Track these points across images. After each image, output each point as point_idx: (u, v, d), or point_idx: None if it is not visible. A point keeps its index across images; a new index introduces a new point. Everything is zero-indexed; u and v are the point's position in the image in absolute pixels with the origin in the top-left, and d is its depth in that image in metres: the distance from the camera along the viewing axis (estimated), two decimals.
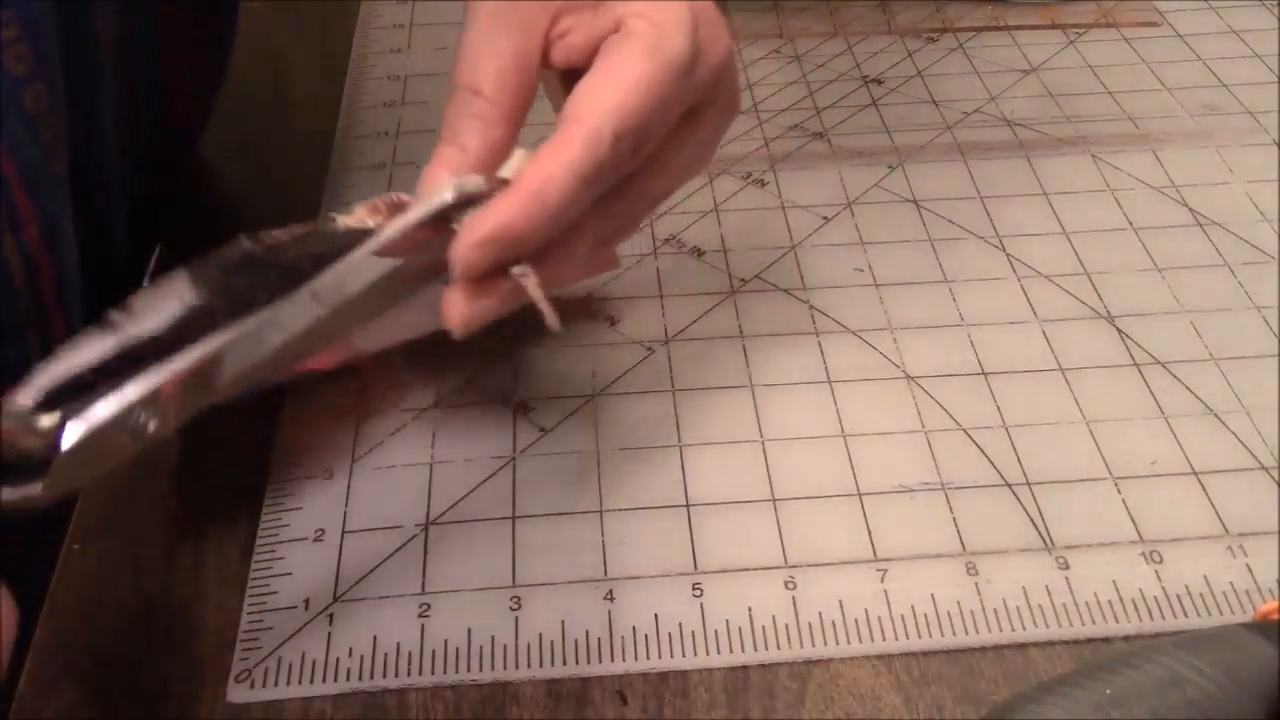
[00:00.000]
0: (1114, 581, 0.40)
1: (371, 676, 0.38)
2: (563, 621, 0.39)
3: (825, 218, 0.54)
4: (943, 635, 0.38)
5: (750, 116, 0.60)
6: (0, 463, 0.29)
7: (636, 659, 0.38)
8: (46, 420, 0.30)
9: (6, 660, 0.29)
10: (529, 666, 0.38)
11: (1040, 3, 0.68)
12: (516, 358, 0.48)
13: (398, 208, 0.36)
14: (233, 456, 0.45)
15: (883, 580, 0.40)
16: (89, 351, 0.31)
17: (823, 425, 0.45)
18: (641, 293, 0.51)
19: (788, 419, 0.45)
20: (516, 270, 0.35)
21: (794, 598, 0.39)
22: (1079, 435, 0.44)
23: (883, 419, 0.45)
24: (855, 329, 0.49)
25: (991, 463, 0.43)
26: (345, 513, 0.42)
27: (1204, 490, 0.42)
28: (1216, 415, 0.45)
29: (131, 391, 0.30)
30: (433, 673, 0.38)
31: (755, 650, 0.38)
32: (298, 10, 0.70)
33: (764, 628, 0.39)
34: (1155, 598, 0.39)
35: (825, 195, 0.55)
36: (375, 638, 0.39)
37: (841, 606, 0.39)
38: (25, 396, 0.30)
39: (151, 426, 0.31)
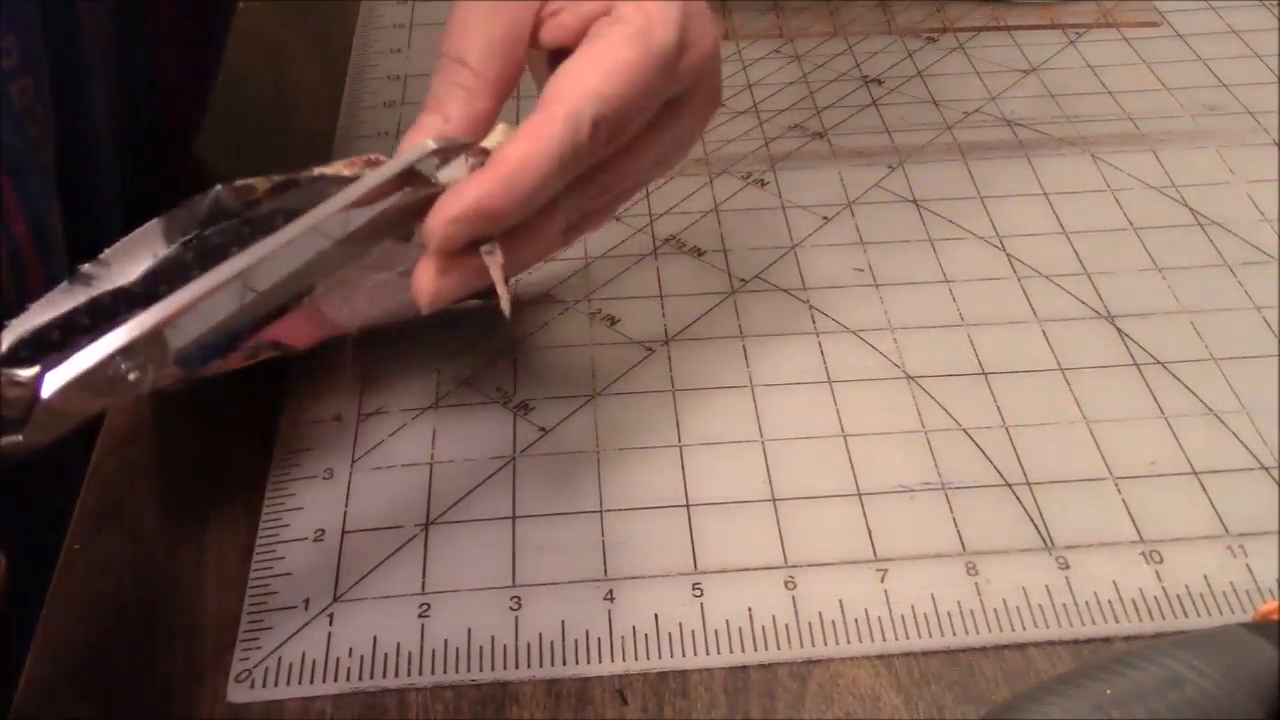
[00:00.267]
0: (1114, 581, 0.40)
1: (371, 676, 0.38)
2: (563, 621, 0.39)
3: (825, 218, 0.54)
4: (943, 635, 0.38)
5: (750, 116, 0.60)
6: None
7: (636, 659, 0.38)
8: (25, 373, 0.30)
9: None
10: (529, 666, 0.38)
11: (1040, 3, 0.68)
12: (516, 358, 0.48)
13: (375, 165, 0.36)
14: (233, 456, 0.45)
15: (883, 580, 0.40)
16: (62, 304, 0.31)
17: (823, 425, 0.45)
18: (641, 293, 0.51)
19: (788, 419, 0.45)
20: (484, 248, 0.35)
21: (794, 598, 0.39)
22: (1079, 435, 0.44)
23: (883, 419, 0.45)
24: (855, 329, 0.49)
25: (991, 463, 0.43)
26: (345, 513, 0.42)
27: (1204, 490, 0.42)
28: (1216, 415, 0.45)
29: (110, 341, 0.31)
30: (433, 673, 0.38)
31: (755, 650, 0.38)
32: (298, 10, 0.70)
33: (764, 628, 0.39)
34: (1155, 598, 0.39)
35: (825, 195, 0.55)
36: (375, 638, 0.39)
37: (841, 606, 0.39)
38: None
39: (132, 376, 0.31)
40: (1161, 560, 0.40)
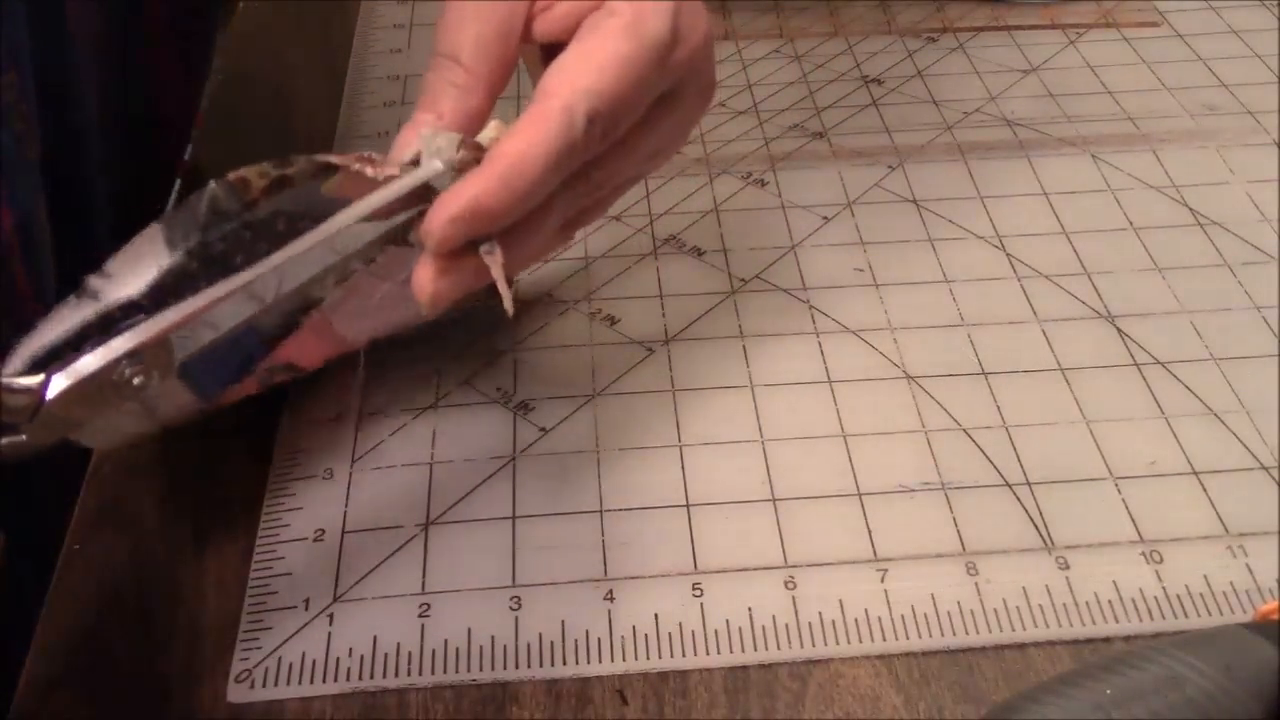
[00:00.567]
0: (1114, 581, 0.40)
1: (371, 676, 0.38)
2: (563, 621, 0.39)
3: (825, 218, 0.54)
4: (943, 635, 0.38)
5: (750, 116, 0.60)
6: None
7: (636, 659, 0.38)
8: (31, 380, 0.30)
9: None
10: (529, 666, 0.38)
11: (1040, 3, 0.68)
12: (517, 358, 0.48)
13: (367, 163, 0.36)
14: (233, 456, 0.45)
15: (883, 580, 0.40)
16: (70, 319, 0.31)
17: (823, 425, 0.45)
18: (641, 293, 0.51)
19: (788, 419, 0.45)
20: (484, 248, 0.35)
21: (794, 598, 0.39)
22: (1079, 435, 0.44)
23: (883, 419, 0.45)
24: (855, 329, 0.49)
25: (991, 462, 0.43)
26: (345, 513, 0.42)
27: (1204, 490, 0.42)
28: (1216, 415, 0.45)
29: (116, 346, 0.31)
30: (433, 673, 0.38)
31: (755, 650, 0.38)
32: (298, 10, 0.70)
33: (764, 628, 0.39)
34: (1155, 598, 0.39)
35: (825, 195, 0.55)
36: (375, 638, 0.39)
37: (841, 606, 0.39)
38: (9, 368, 0.30)
39: (136, 381, 0.31)
40: (1161, 560, 0.40)
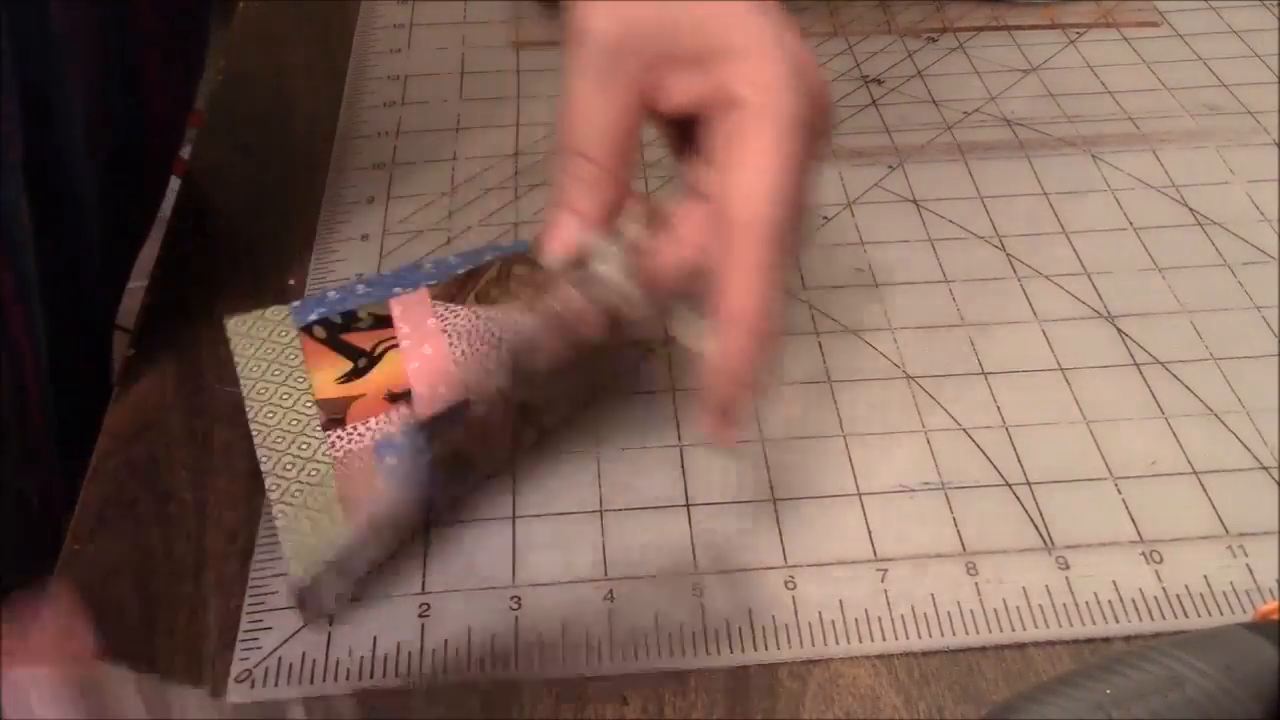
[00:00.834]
0: (1114, 581, 0.40)
1: (371, 676, 0.38)
2: (563, 621, 0.39)
3: (825, 218, 0.54)
4: (943, 635, 0.38)
5: None
6: None
7: (636, 659, 0.38)
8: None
9: None
10: (529, 666, 0.38)
11: (1040, 3, 0.68)
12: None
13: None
14: (233, 456, 0.45)
15: (883, 580, 0.40)
16: None
17: (823, 425, 0.45)
18: None
19: (788, 419, 0.45)
20: None
21: (794, 598, 0.39)
22: (1079, 435, 0.44)
23: (883, 419, 0.45)
24: (855, 329, 0.49)
25: (991, 462, 0.43)
26: None
27: (1204, 490, 0.42)
28: (1216, 415, 0.45)
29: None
30: (433, 673, 0.38)
31: (755, 650, 0.38)
32: (298, 10, 0.70)
33: (764, 628, 0.39)
34: (1155, 598, 0.39)
35: (825, 195, 0.55)
36: (375, 638, 0.39)
37: (841, 606, 0.39)
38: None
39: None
40: (1161, 560, 0.40)
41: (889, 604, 0.39)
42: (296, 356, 0.44)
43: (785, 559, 0.41)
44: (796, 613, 0.39)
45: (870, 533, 0.41)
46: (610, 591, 0.40)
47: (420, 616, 0.39)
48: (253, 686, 0.38)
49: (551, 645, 0.38)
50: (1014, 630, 0.39)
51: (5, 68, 0.42)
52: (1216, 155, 0.57)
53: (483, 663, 0.38)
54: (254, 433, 0.42)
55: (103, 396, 0.47)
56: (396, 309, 0.45)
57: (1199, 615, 0.39)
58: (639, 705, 0.37)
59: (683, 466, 0.44)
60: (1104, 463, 0.43)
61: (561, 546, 0.41)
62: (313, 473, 0.41)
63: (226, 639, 0.39)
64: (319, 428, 0.42)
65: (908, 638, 0.38)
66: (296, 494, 0.40)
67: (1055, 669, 0.38)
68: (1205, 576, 0.40)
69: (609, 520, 0.42)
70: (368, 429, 0.41)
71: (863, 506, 0.42)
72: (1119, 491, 0.42)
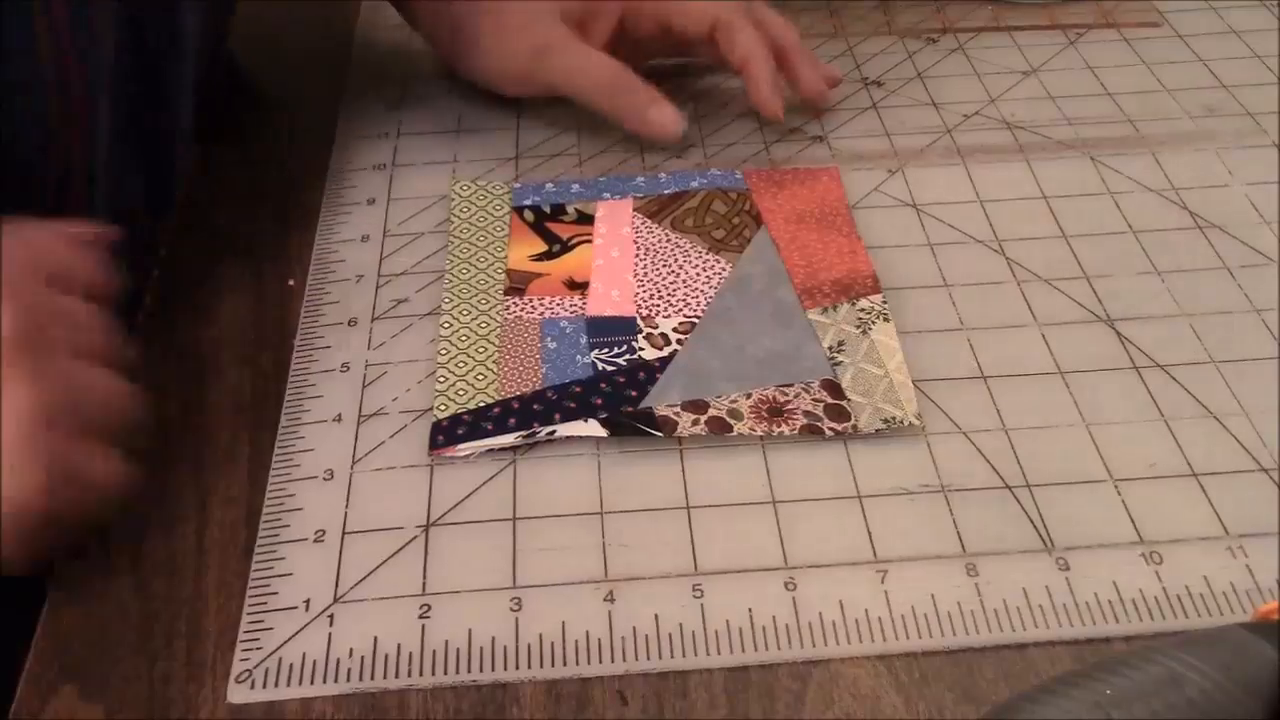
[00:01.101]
0: (1114, 582, 0.40)
1: (371, 677, 0.38)
2: (563, 622, 0.39)
3: None
4: (943, 635, 0.38)
5: (751, 119, 0.60)
6: None
7: (636, 659, 0.38)
8: None
9: None
10: (529, 667, 0.38)
11: (1040, 3, 0.68)
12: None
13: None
14: (233, 456, 0.45)
15: (883, 580, 0.40)
16: None
17: None
18: None
19: None
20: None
21: (794, 598, 0.39)
22: (1079, 437, 0.44)
23: None
24: None
25: (991, 464, 0.43)
26: (345, 513, 0.42)
27: (1204, 491, 0.42)
28: (1216, 417, 0.45)
29: None
30: (433, 673, 0.38)
31: (755, 650, 0.38)
32: (298, 10, 0.70)
33: (764, 628, 0.39)
34: (1155, 598, 0.39)
35: None
36: (375, 638, 0.39)
37: (841, 607, 0.39)
38: None
39: None
40: (1161, 561, 0.40)
41: (889, 604, 0.39)
42: (503, 229, 0.52)
43: (785, 560, 0.41)
44: (796, 613, 0.39)
45: (870, 533, 0.41)
46: (610, 592, 0.40)
47: (420, 617, 0.39)
48: (253, 687, 0.38)
49: (551, 646, 0.38)
50: (1014, 631, 0.39)
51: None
52: (1216, 158, 0.57)
53: (483, 664, 0.38)
54: (445, 281, 0.50)
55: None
56: (602, 210, 0.53)
57: (1199, 615, 0.39)
58: (639, 705, 0.37)
59: (683, 467, 0.44)
60: (1104, 464, 0.43)
61: (561, 547, 0.41)
62: (483, 325, 0.48)
63: (227, 639, 0.39)
64: (501, 291, 0.49)
65: (908, 638, 0.38)
66: (464, 338, 0.47)
67: (1055, 669, 0.38)
68: (1205, 577, 0.40)
69: (609, 521, 0.42)
70: (541, 304, 0.49)
71: (862, 507, 0.42)
72: (1119, 493, 0.42)
